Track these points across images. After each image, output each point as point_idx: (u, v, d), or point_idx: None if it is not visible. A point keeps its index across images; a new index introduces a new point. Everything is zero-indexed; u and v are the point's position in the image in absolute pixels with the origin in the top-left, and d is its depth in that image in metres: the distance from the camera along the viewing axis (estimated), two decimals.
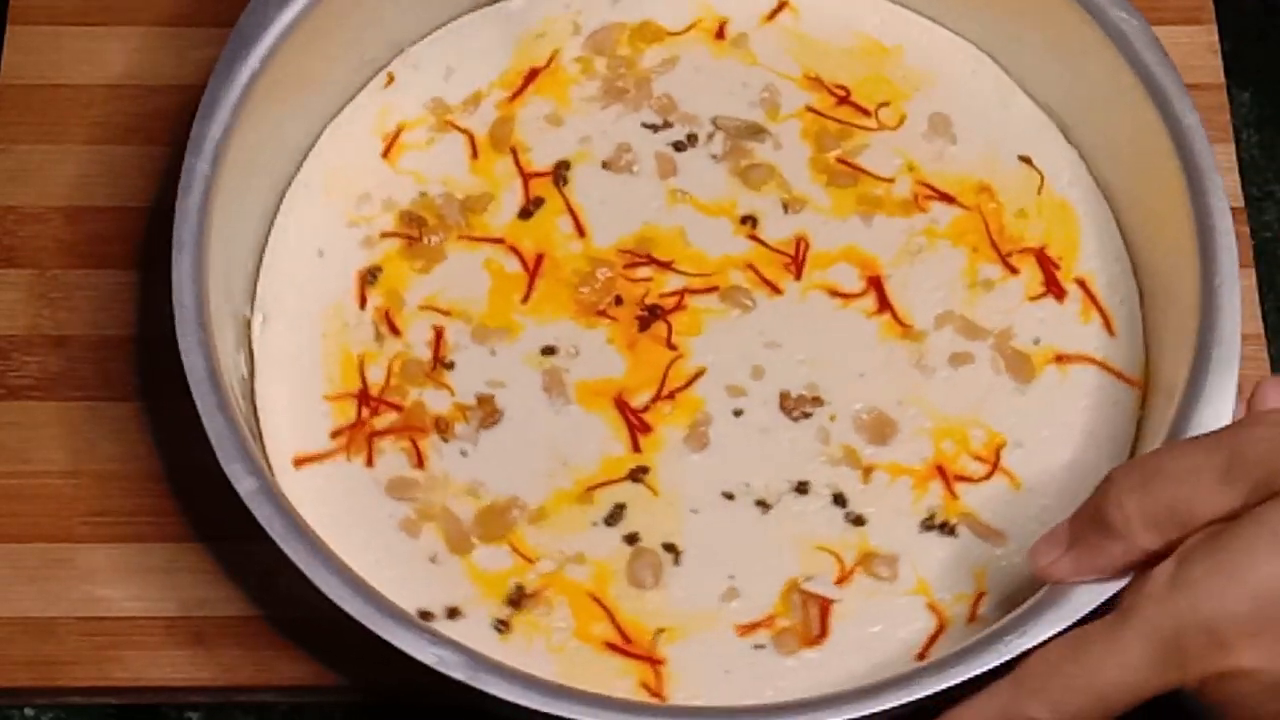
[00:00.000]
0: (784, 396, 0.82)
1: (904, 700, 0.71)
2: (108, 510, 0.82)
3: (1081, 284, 0.85)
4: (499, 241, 0.85)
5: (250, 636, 0.80)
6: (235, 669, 0.80)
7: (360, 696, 0.80)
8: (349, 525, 0.79)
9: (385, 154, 0.87)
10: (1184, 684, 0.68)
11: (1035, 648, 0.71)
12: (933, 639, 0.78)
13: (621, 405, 0.82)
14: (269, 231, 0.85)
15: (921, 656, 0.78)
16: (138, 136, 0.89)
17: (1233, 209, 0.79)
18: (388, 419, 0.82)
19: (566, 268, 0.85)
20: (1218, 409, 0.75)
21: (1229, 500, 0.67)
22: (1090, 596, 0.72)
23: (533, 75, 0.89)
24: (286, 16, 0.82)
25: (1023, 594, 0.78)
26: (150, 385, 0.84)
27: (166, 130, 0.85)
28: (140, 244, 0.87)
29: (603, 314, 0.84)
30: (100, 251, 0.87)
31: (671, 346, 0.83)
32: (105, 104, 0.90)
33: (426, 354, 0.83)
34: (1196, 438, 0.70)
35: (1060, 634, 0.71)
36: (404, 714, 0.81)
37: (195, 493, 0.82)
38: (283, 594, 0.79)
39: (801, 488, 0.81)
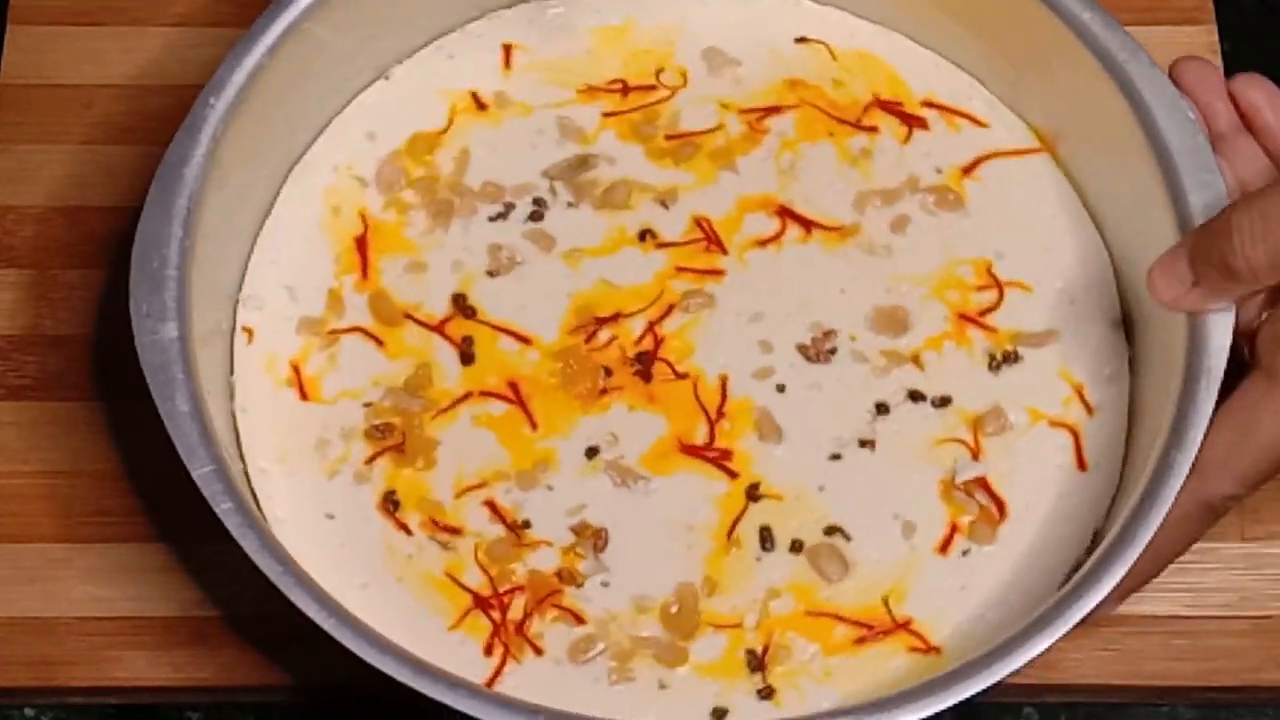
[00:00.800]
0: (803, 350, 0.83)
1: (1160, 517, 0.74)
2: (108, 510, 0.82)
3: (930, 104, 0.88)
4: (467, 397, 0.82)
5: (250, 636, 0.80)
6: (235, 669, 0.80)
7: (364, 696, 0.80)
8: (575, 708, 0.75)
9: (304, 397, 0.83)
10: None
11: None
12: (1078, 448, 0.81)
13: (690, 450, 0.81)
14: None
15: (1082, 467, 0.81)
16: (138, 137, 0.89)
17: None
18: (519, 605, 0.79)
19: (542, 377, 0.83)
20: (1181, 123, 0.79)
21: None
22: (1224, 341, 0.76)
23: (362, 245, 0.85)
24: (171, 330, 0.77)
25: (1105, 366, 0.83)
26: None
27: (166, 131, 0.80)
28: None
29: (605, 392, 0.82)
30: (100, 251, 0.86)
31: (682, 376, 0.83)
32: (105, 104, 0.90)
33: (499, 529, 0.80)
34: None
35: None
36: (405, 713, 0.77)
37: (195, 493, 0.77)
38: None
39: (881, 409, 0.82)
